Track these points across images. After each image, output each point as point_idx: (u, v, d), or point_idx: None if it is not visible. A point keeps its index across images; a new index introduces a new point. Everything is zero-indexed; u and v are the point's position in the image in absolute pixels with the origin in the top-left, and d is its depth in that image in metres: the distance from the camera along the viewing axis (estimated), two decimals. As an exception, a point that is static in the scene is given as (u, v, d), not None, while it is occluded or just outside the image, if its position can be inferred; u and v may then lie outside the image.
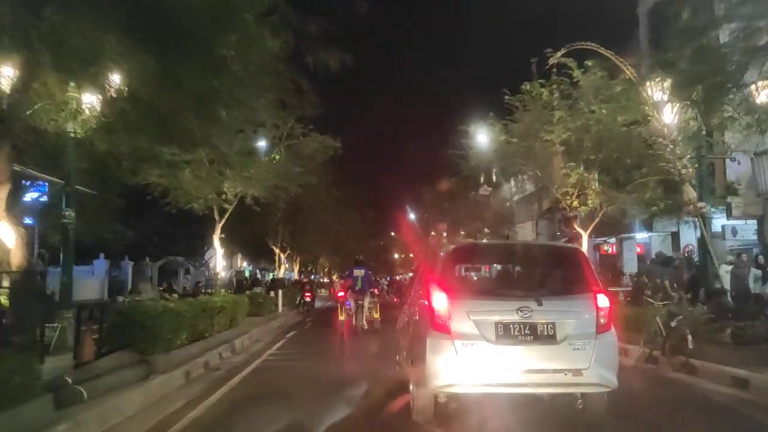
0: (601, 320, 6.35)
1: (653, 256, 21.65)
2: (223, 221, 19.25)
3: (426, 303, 6.55)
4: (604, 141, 16.98)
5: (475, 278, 10.27)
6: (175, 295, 17.53)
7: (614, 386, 6.29)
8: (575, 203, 18.66)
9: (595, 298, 6.46)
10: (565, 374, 6.11)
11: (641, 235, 29.64)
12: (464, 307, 6.26)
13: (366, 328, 17.33)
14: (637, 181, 16.53)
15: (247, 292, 23.51)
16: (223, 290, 20.91)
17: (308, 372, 11.38)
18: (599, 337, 6.27)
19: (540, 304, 6.24)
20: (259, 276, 45.76)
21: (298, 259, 40.74)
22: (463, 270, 8.73)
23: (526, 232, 39.18)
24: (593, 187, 17.94)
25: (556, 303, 6.38)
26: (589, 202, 18.25)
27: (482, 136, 20.24)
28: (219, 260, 19.13)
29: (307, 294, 29.26)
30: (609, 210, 18.26)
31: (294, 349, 14.99)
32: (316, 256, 51.70)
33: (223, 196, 18.62)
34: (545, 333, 6.20)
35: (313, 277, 70.29)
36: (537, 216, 42.26)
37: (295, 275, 41.39)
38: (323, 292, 55.73)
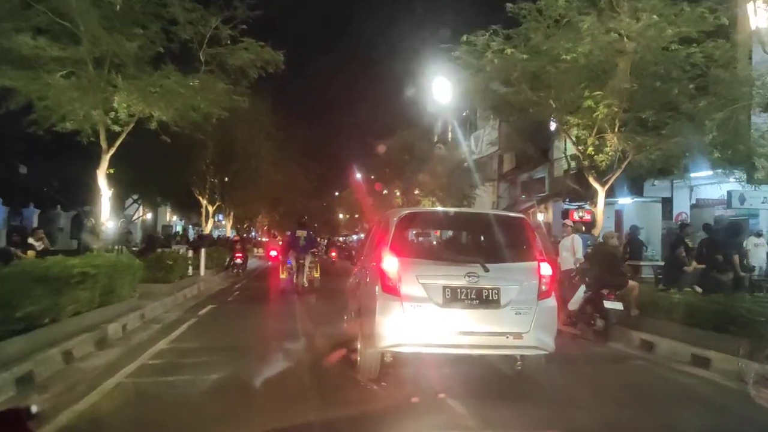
0: (543, 287, 6.52)
1: (635, 225, 17.36)
2: (113, 150, 13.62)
3: (377, 266, 6.57)
4: (645, 64, 12.27)
5: (425, 243, 9.79)
6: (32, 253, 12.09)
7: (551, 349, 6.46)
8: (590, 150, 13.95)
9: (539, 267, 6.62)
10: (507, 337, 6.30)
11: (625, 200, 25.43)
12: (414, 271, 6.36)
13: (306, 286, 17.42)
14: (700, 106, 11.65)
15: (159, 251, 18.04)
16: (118, 247, 15.43)
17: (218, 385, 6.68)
18: (540, 303, 6.46)
19: (486, 270, 6.37)
20: (193, 233, 39.95)
21: (232, 214, 35.14)
22: (413, 235, 8.55)
23: (486, 196, 34.49)
24: (615, 130, 13.25)
25: (501, 269, 6.51)
26: (608, 148, 13.57)
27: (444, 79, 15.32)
28: (105, 206, 13.55)
29: (237, 255, 23.96)
30: (636, 159, 13.54)
31: (200, 339, 9.84)
32: (254, 212, 46.09)
33: (113, 115, 13.01)
34: (490, 297, 6.36)
35: (253, 235, 65.02)
36: (498, 178, 37.87)
37: (228, 232, 35.75)
38: (260, 252, 50.31)
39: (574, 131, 14.25)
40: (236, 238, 26.88)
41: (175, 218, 49.78)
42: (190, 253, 19.72)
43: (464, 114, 41.30)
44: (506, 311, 6.32)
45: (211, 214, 26.76)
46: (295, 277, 17.51)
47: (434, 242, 11.61)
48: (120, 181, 17.81)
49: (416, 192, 35.36)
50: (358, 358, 6.87)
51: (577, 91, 12.82)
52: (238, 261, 23.83)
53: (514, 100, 14.15)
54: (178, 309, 13.22)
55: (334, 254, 37.90)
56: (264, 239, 63.22)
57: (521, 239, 6.99)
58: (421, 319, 6.20)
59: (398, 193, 38.22)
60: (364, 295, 7.16)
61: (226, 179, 27.11)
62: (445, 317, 6.22)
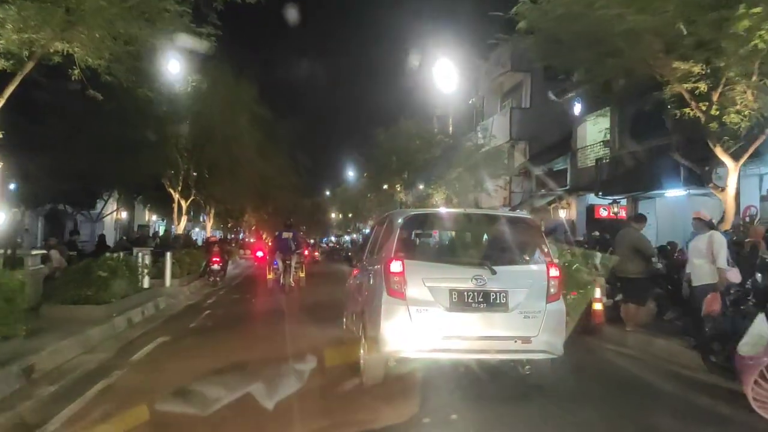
0: (551, 290, 6.29)
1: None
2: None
3: (382, 268, 6.32)
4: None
5: (431, 245, 8.37)
6: None
7: (560, 353, 6.21)
8: (714, 109, 9.33)
9: (547, 269, 6.39)
10: (515, 341, 6.08)
11: (675, 193, 20.92)
12: (420, 274, 6.12)
13: (293, 286, 17.44)
14: None
15: (110, 255, 13.23)
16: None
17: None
18: (548, 306, 6.23)
19: (494, 273, 6.17)
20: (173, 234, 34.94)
21: (213, 212, 30.21)
22: (418, 237, 7.87)
23: (497, 192, 29.72)
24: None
25: (509, 272, 6.31)
26: (739, 105, 8.98)
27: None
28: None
29: (214, 259, 19.13)
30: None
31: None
32: (239, 210, 41.12)
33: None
34: (498, 301, 6.13)
35: (241, 236, 59.92)
36: (510, 172, 33.16)
37: (208, 232, 30.80)
38: (248, 254, 45.36)
39: (687, 84, 9.59)
40: (213, 238, 21.98)
41: (155, 217, 44.76)
42: (147, 260, 14.85)
43: (470, 102, 36.82)
44: (514, 315, 6.11)
45: (184, 210, 21.89)
46: (281, 277, 17.50)
47: (440, 244, 10.03)
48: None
49: (421, 187, 30.72)
50: (362, 364, 6.52)
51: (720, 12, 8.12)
52: (215, 267, 19.02)
53: (609, 32, 9.34)
54: (107, 346, 8.45)
55: (317, 254, 39.00)
56: (251, 240, 58.48)
57: (529, 241, 6.82)
58: (427, 323, 5.98)
59: (399, 188, 33.60)
60: (367, 298, 6.82)
61: (203, 169, 22.27)
62: (452, 321, 6.02)
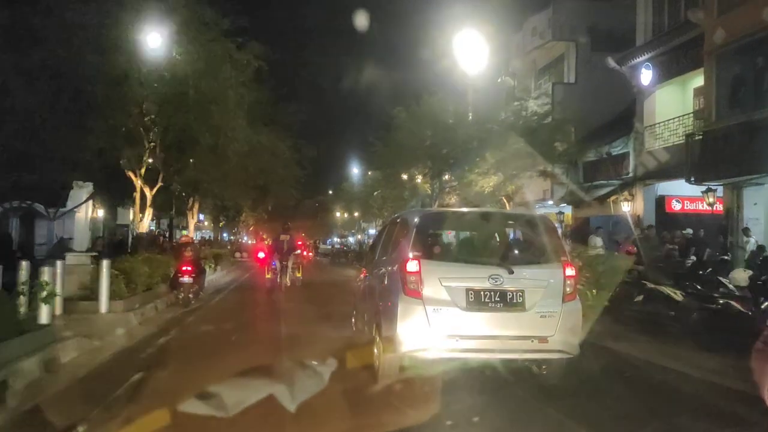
0: (568, 289, 6.15)
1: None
2: None
3: (398, 268, 6.19)
4: None
5: (446, 245, 7.96)
6: None
7: (576, 353, 6.08)
8: None
9: (564, 268, 6.22)
10: (532, 341, 5.94)
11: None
12: (436, 273, 5.97)
13: (289, 285, 17.54)
14: None
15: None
16: None
17: None
18: (565, 306, 6.08)
19: (511, 272, 6.00)
20: (165, 236, 28.54)
21: (196, 206, 23.97)
22: (434, 236, 7.23)
23: (534, 183, 23.47)
24: None
25: (526, 271, 6.14)
26: None
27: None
28: None
29: (184, 268, 13.04)
30: None
31: None
32: (235, 208, 35.00)
33: None
34: (514, 300, 5.99)
35: (241, 239, 54.03)
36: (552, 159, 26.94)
37: (190, 231, 24.53)
38: (244, 256, 39.35)
39: None
40: (185, 238, 15.58)
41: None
42: (58, 275, 8.77)
43: (499, 80, 30.86)
44: (531, 314, 5.95)
45: (149, 200, 15.69)
46: (279, 277, 17.66)
47: (456, 243, 8.89)
48: None
49: (446, 177, 24.70)
50: (377, 364, 6.41)
51: None
52: (186, 279, 12.88)
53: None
54: None
55: (311, 254, 39.23)
56: (247, 241, 52.76)
57: (545, 240, 6.56)
58: (444, 322, 5.83)
59: (419, 179, 27.60)
60: (382, 298, 6.64)
61: (175, 147, 16.11)
62: (469, 321, 5.89)
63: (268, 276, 18.66)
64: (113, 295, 10.59)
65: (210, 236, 40.33)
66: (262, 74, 23.23)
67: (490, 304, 5.90)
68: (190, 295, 13.12)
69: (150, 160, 15.14)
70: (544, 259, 6.40)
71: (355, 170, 57.99)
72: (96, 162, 14.39)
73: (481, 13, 25.50)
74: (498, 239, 7.35)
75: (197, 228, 49.72)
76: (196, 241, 21.05)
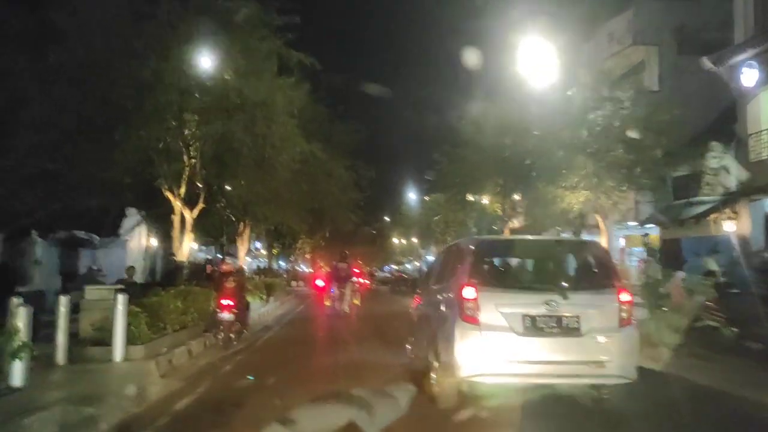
0: (623, 314, 6.08)
1: None
2: None
3: (455, 295, 6.20)
4: None
5: (502, 271, 7.64)
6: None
7: (634, 378, 6.02)
8: None
9: (618, 293, 6.17)
10: (589, 366, 5.90)
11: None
12: (493, 300, 5.98)
13: (348, 312, 17.55)
14: None
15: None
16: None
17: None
18: (621, 331, 6.03)
19: (566, 298, 5.96)
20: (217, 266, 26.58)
21: (246, 230, 21.83)
22: (490, 263, 7.40)
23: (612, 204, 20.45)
24: None
25: (581, 297, 6.09)
26: None
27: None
28: None
29: (224, 302, 10.76)
30: None
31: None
32: (291, 234, 32.94)
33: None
34: (570, 325, 5.95)
35: (298, 267, 52.25)
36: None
37: (240, 260, 22.38)
38: (300, 285, 37.27)
39: None
40: (227, 267, 13.17)
41: (195, 245, 37.17)
42: (22, 318, 6.41)
43: (569, 93, 28.01)
44: (587, 339, 5.90)
45: (189, 225, 13.52)
46: (336, 303, 17.89)
47: (512, 270, 8.16)
48: None
49: (517, 197, 22.02)
50: (435, 389, 6.45)
51: None
52: (226, 316, 10.58)
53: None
54: None
55: (367, 282, 38.52)
56: (308, 270, 50.82)
57: (599, 266, 6.67)
58: (501, 348, 5.84)
59: (487, 200, 24.89)
60: (440, 324, 6.62)
61: (220, 164, 14.01)
62: (526, 346, 5.85)
63: (327, 303, 19.06)
64: (132, 339, 8.37)
65: (265, 265, 38.42)
66: (317, 91, 21.44)
67: (546, 330, 5.91)
68: (232, 335, 10.80)
69: (187, 176, 13.03)
70: (599, 284, 6.35)
71: (412, 195, 56.28)
72: (126, 181, 12.38)
73: (546, 25, 23.04)
74: (553, 265, 7.10)
75: (253, 256, 48.37)
76: (243, 269, 18.97)
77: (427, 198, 46.43)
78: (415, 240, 55.02)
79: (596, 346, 5.87)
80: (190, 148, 13.16)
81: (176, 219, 13.46)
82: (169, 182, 13.12)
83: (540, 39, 21.37)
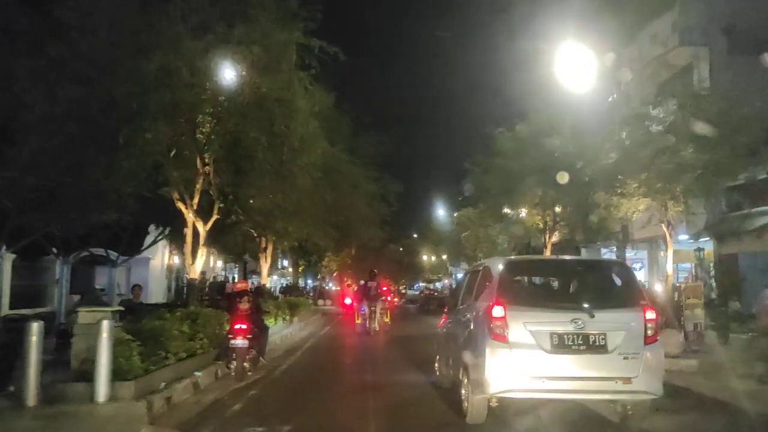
0: (649, 332, 6.21)
1: None
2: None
3: (485, 313, 6.38)
4: None
5: (530, 290, 7.83)
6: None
7: (660, 394, 6.15)
8: None
9: (644, 312, 6.29)
10: (616, 382, 6.02)
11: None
12: (521, 318, 6.13)
13: (378, 329, 17.78)
14: None
15: None
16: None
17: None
18: (647, 348, 6.14)
19: (592, 316, 6.10)
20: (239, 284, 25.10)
21: (269, 246, 20.37)
22: (518, 282, 7.44)
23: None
24: None
25: (607, 315, 6.21)
26: None
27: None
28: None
29: (237, 326, 9.27)
30: None
31: None
32: (317, 252, 31.56)
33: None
34: (597, 343, 6.08)
35: (325, 285, 50.75)
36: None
37: (263, 278, 20.88)
38: (328, 303, 35.73)
39: None
40: (241, 285, 11.60)
41: (220, 263, 35.83)
42: None
43: (609, 100, 26.27)
44: (614, 356, 6.04)
45: (203, 238, 12.06)
46: (367, 322, 17.94)
47: (539, 289, 8.43)
48: None
49: (558, 209, 20.27)
50: (465, 405, 6.60)
51: None
52: (239, 342, 9.06)
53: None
54: None
55: (396, 299, 38.63)
56: (335, 288, 49.22)
57: (624, 284, 6.81)
58: (530, 364, 5.98)
59: (524, 212, 23.17)
60: (469, 342, 6.83)
61: (238, 173, 12.57)
62: (553, 363, 6.00)
63: (358, 321, 19.21)
64: (120, 373, 6.88)
65: (289, 282, 36.99)
66: (341, 103, 20.16)
67: (573, 347, 6.02)
68: (246, 364, 9.28)
69: (201, 185, 11.62)
70: (625, 303, 6.46)
71: (441, 211, 54.85)
72: (131, 190, 11.01)
73: (584, 31, 21.48)
74: (580, 284, 7.30)
75: (281, 274, 46.96)
76: (263, 288, 17.51)
77: (455, 214, 45.02)
78: (444, 257, 53.38)
79: (623, 363, 6.00)
80: (204, 153, 11.77)
81: (188, 232, 12.03)
82: (181, 191, 11.71)
83: (577, 45, 19.96)
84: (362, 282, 20.69)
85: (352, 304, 23.77)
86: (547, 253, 20.96)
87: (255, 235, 19.14)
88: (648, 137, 13.23)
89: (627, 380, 5.94)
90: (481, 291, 6.92)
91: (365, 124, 25.12)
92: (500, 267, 6.76)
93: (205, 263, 27.96)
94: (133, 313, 9.16)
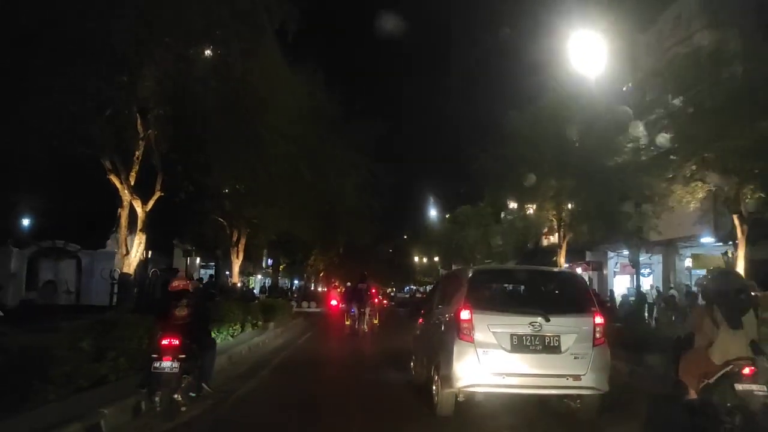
0: (597, 335, 6.72)
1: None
2: None
3: (454, 316, 6.87)
4: None
5: (493, 296, 8.12)
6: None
7: (606, 389, 6.65)
8: None
9: (594, 317, 6.80)
10: (567, 379, 6.54)
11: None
12: (485, 321, 6.65)
13: (367, 330, 18.12)
14: None
15: None
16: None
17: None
18: (595, 349, 6.66)
19: (548, 320, 6.60)
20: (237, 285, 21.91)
21: (242, 240, 17.42)
22: (483, 289, 7.79)
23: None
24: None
25: (561, 319, 6.70)
26: None
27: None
28: None
29: (166, 342, 6.45)
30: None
31: None
32: (302, 250, 28.69)
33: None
34: (551, 344, 6.59)
35: (310, 285, 47.81)
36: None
37: (233, 277, 18.06)
38: (313, 306, 32.83)
39: None
40: (177, 284, 8.55)
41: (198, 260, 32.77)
42: None
43: (624, 88, 23.77)
44: (566, 356, 6.56)
45: (140, 222, 9.14)
46: (356, 323, 18.03)
47: (502, 295, 8.71)
48: None
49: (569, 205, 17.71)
50: (435, 398, 7.11)
51: None
52: (166, 366, 6.23)
53: None
54: None
55: (384, 301, 38.42)
56: (320, 288, 46.38)
57: (577, 293, 7.35)
58: (492, 362, 6.52)
59: (532, 209, 20.59)
60: (440, 342, 7.27)
61: (192, 140, 9.74)
62: (513, 361, 6.53)
63: (347, 323, 19.29)
64: None
65: (268, 282, 34.10)
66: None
67: (530, 347, 6.56)
68: (177, 396, 6.45)
69: (141, 153, 8.76)
70: (576, 309, 6.95)
71: (433, 212, 52.68)
72: (45, 153, 8.15)
73: (597, 17, 19.03)
74: (538, 291, 7.90)
75: (265, 274, 43.82)
76: (234, 286, 14.60)
77: (449, 214, 42.97)
78: (436, 259, 50.83)
79: (574, 362, 6.53)
80: (147, 112, 8.91)
81: (123, 214, 9.16)
82: (114, 160, 8.84)
83: (590, 31, 17.51)
84: (348, 284, 20.90)
85: (338, 305, 23.79)
86: (563, 255, 18.52)
87: (226, 225, 16.27)
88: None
89: (577, 377, 6.50)
90: (452, 296, 7.46)
91: (357, 110, 22.43)
92: (469, 275, 7.41)
93: (179, 261, 25.07)
94: (13, 322, 6.33)
